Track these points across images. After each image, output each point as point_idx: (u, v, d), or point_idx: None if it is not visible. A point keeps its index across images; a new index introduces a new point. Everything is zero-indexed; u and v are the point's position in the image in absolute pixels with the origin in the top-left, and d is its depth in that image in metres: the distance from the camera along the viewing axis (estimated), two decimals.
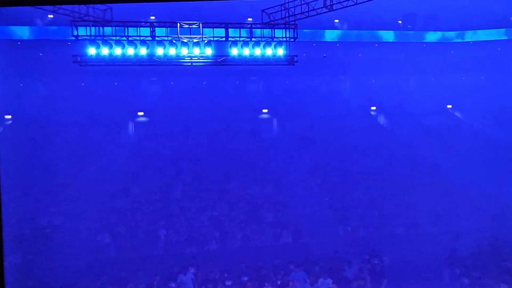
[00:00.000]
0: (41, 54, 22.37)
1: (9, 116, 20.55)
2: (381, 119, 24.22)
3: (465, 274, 11.99)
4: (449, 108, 24.52)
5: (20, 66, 21.07)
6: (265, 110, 23.41)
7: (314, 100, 23.49)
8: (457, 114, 24.30)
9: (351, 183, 17.75)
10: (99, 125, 19.71)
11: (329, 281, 10.84)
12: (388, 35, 22.73)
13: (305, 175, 18.35)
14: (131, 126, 22.02)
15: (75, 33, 9.88)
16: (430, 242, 13.87)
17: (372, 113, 24.34)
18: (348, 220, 15.84)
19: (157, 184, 16.95)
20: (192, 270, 10.90)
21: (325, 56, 22.74)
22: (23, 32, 20.24)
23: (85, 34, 9.94)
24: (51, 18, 21.53)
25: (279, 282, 11.29)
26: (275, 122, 23.23)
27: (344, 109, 23.06)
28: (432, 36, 22.76)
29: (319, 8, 9.24)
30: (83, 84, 22.92)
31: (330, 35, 22.16)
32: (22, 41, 20.56)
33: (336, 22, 23.44)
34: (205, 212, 15.66)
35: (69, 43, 21.26)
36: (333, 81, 24.83)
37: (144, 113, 22.29)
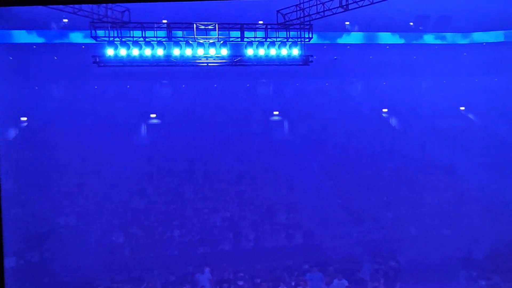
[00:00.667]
0: (55, 58, 22.81)
1: (25, 118, 20.93)
2: (393, 121, 24.09)
3: (481, 277, 11.83)
4: (462, 110, 24.29)
5: (35, 70, 21.49)
6: (276, 112, 23.47)
7: (325, 102, 23.48)
8: (471, 116, 24.05)
9: (364, 185, 17.67)
10: (113, 127, 19.96)
11: (345, 282, 10.78)
12: (399, 37, 22.66)
13: (317, 177, 18.32)
14: (144, 128, 22.25)
15: (93, 34, 10.07)
16: (444, 244, 13.75)
17: (384, 115, 24.23)
18: (361, 221, 15.76)
19: (171, 185, 17.09)
20: (207, 269, 10.94)
21: (335, 59, 22.76)
22: (38, 36, 20.66)
23: (103, 36, 10.12)
24: (66, 22, 21.99)
25: (293, 283, 11.28)
26: (286, 124, 23.26)
27: (355, 111, 23.00)
28: (444, 38, 22.63)
29: (335, 8, 9.28)
30: (96, 87, 23.27)
31: (341, 37, 22.18)
32: (37, 44, 20.99)
33: (347, 24, 23.48)
34: (218, 213, 15.72)
35: (83, 47, 21.68)
36: (344, 84, 24.81)
37: (156, 115, 22.51)
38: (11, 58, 22.24)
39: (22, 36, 20.40)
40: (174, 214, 15.43)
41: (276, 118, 23.37)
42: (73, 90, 22.29)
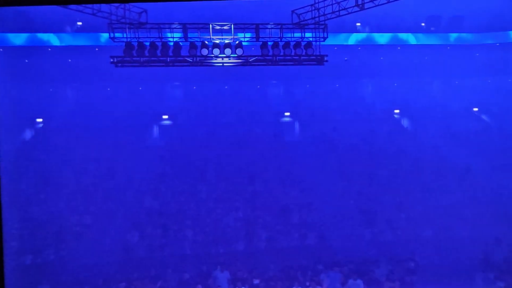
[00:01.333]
0: (69, 61, 23.20)
1: (40, 120, 21.29)
2: (405, 122, 23.94)
3: (499, 279, 11.67)
4: (476, 111, 24.03)
5: (50, 72, 21.88)
6: (287, 114, 23.50)
7: (336, 103, 23.44)
8: (484, 117, 23.78)
9: (377, 186, 17.58)
10: (126, 128, 20.19)
11: (360, 282, 10.74)
12: (411, 38, 22.55)
13: (330, 177, 18.27)
14: (156, 130, 22.47)
15: (111, 35, 10.25)
16: (461, 245, 13.58)
17: (396, 116, 24.10)
18: (374, 222, 15.68)
19: (183, 185, 17.21)
20: (224, 268, 11.00)
21: (346, 60, 22.73)
22: (53, 39, 21.04)
23: (121, 36, 10.29)
24: (80, 25, 22.37)
25: (307, 283, 11.26)
26: (297, 125, 23.27)
27: (367, 112, 22.92)
28: (457, 38, 22.45)
29: (350, 7, 9.31)
30: (109, 89, 23.59)
31: (352, 38, 22.16)
32: (52, 47, 21.38)
33: (358, 25, 23.45)
34: (231, 213, 15.78)
35: (97, 49, 22.04)
36: (355, 85, 24.75)
37: (168, 117, 22.72)
38: (26, 61, 22.70)
39: (37, 39, 20.81)
40: (187, 214, 15.53)
41: (287, 119, 23.40)
42: (87, 92, 22.63)
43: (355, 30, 22.82)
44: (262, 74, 21.90)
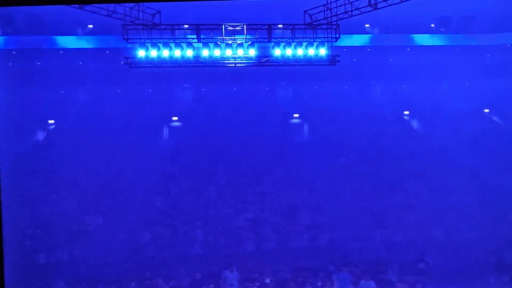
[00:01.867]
0: (80, 63, 23.52)
1: (52, 121, 21.57)
2: (415, 124, 23.83)
3: None
4: (487, 112, 23.83)
5: (61, 74, 22.19)
6: (296, 115, 23.53)
7: (345, 105, 23.43)
8: (495, 118, 23.58)
9: (387, 187, 17.51)
10: (136, 129, 20.38)
11: (372, 283, 10.70)
12: (420, 39, 22.48)
13: (339, 179, 18.25)
14: (166, 131, 22.64)
15: (125, 36, 10.38)
16: (471, 247, 13.48)
17: (405, 117, 24.00)
18: (385, 223, 15.61)
19: (193, 186, 17.29)
20: (235, 268, 11.03)
21: (354, 61, 22.72)
22: (65, 41, 21.36)
23: (135, 37, 10.42)
24: (91, 28, 22.68)
25: (319, 283, 11.25)
26: (306, 127, 23.29)
27: (376, 113, 22.86)
28: (467, 39, 22.33)
29: (363, 7, 9.34)
30: (119, 91, 23.84)
31: (361, 39, 22.15)
32: (64, 50, 21.70)
33: (367, 26, 23.44)
34: (240, 214, 15.82)
35: (107, 52, 22.32)
36: (363, 86, 24.70)
37: (178, 118, 22.88)
38: (38, 63, 23.06)
39: (49, 42, 21.12)
40: (197, 214, 15.60)
41: (296, 120, 23.43)
42: (98, 93, 22.89)
43: (364, 31, 22.82)
44: (271, 75, 21.99)
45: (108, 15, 9.71)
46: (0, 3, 2.70)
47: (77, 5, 9.17)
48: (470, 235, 14.69)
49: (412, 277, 11.48)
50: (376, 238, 15.10)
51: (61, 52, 21.78)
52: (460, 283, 11.75)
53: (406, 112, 24.00)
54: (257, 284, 11.10)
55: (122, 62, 10.61)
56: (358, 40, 21.92)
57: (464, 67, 22.85)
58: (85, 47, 21.52)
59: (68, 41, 21.36)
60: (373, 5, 9.12)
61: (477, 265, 12.27)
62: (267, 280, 11.15)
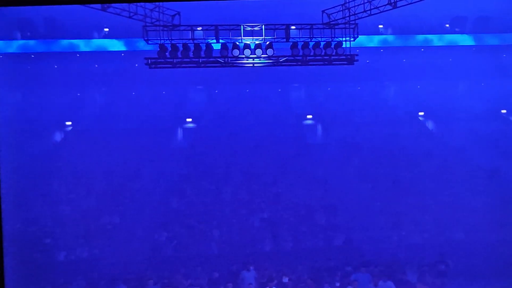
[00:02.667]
0: (96, 66, 23.95)
1: (70, 123, 21.98)
2: (430, 125, 23.60)
3: None
4: (504, 113, 23.48)
5: (78, 77, 22.64)
6: (309, 116, 23.52)
7: (358, 106, 23.34)
8: None
9: (402, 188, 17.35)
10: (151, 131, 20.62)
11: (390, 283, 10.63)
12: (435, 39, 22.30)
13: (355, 180, 18.17)
14: (180, 132, 22.86)
15: (145, 37, 10.57)
16: (491, 248, 13.27)
17: (420, 118, 23.79)
18: (401, 225, 15.46)
19: (208, 186, 17.41)
20: (252, 267, 11.07)
21: (368, 62, 22.63)
22: (81, 45, 21.79)
23: (155, 38, 10.60)
24: (107, 31, 23.11)
25: (337, 284, 11.22)
26: (320, 128, 23.25)
27: (390, 114, 22.71)
28: (482, 39, 22.08)
29: (382, 6, 9.34)
30: (133, 93, 24.18)
31: (375, 40, 22.08)
32: (80, 53, 22.14)
33: (381, 27, 23.36)
34: (256, 214, 15.86)
35: (122, 54, 22.69)
36: (377, 87, 24.59)
37: (192, 120, 23.09)
38: (56, 66, 23.54)
39: (66, 46, 21.58)
40: (212, 215, 15.68)
41: (309, 122, 23.42)
42: (113, 96, 23.25)
43: (378, 32, 22.74)
44: (283, 77, 22.06)
45: (130, 17, 9.91)
46: (0, 3, 2.69)
47: (100, 7, 9.38)
48: (490, 237, 14.45)
49: (432, 279, 11.35)
50: (393, 239, 14.96)
51: (78, 55, 22.23)
52: (480, 285, 11.59)
53: (421, 113, 23.79)
54: (275, 283, 11.11)
55: (144, 63, 10.75)
56: (371, 41, 21.85)
57: (480, 68, 22.59)
58: (101, 50, 21.92)
59: (84, 45, 21.78)
60: (393, 4, 9.12)
61: (498, 267, 12.08)
62: (285, 280, 11.15)
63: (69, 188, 16.63)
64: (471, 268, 12.03)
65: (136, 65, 21.36)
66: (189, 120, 23.10)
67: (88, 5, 9.42)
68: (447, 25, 23.13)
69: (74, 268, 12.27)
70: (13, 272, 11.59)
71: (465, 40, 22.34)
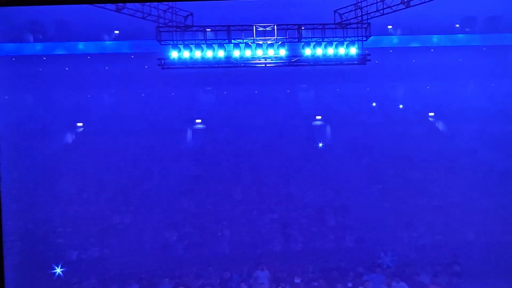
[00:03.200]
0: (106, 68, 24.18)
1: (81, 124, 22.20)
2: (440, 125, 23.45)
3: None
4: None
5: (88, 79, 22.87)
6: (318, 117, 23.50)
7: (367, 107, 23.27)
8: None
9: (413, 189, 17.25)
10: (161, 132, 20.75)
11: (403, 284, 10.58)
12: (444, 40, 22.15)
13: (364, 180, 18.11)
14: (190, 133, 22.97)
15: (158, 38, 10.66)
16: (505, 249, 13.14)
17: (430, 119, 23.64)
18: (412, 226, 15.37)
19: (218, 187, 17.45)
20: (265, 267, 11.07)
21: (377, 63, 22.52)
22: (92, 47, 22.01)
23: (168, 39, 10.69)
24: (117, 33, 23.34)
25: (350, 284, 11.18)
26: (329, 129, 23.21)
27: (400, 115, 22.62)
28: (492, 39, 21.89)
29: (395, 5, 9.33)
30: (143, 94, 24.36)
31: (383, 41, 22.00)
32: (91, 55, 22.36)
33: (390, 28, 23.27)
34: (266, 215, 15.86)
35: (132, 56, 22.88)
36: (386, 88, 24.49)
37: (201, 121, 23.19)
38: (67, 68, 23.80)
39: (77, 48, 21.80)
40: (223, 215, 15.72)
41: (319, 122, 23.40)
42: (123, 97, 23.44)
43: (387, 32, 22.67)
44: (291, 78, 22.08)
45: (143, 18, 10.01)
46: (0, 3, 2.72)
47: (114, 8, 9.49)
48: (503, 238, 14.31)
49: (446, 280, 11.27)
50: (404, 240, 14.88)
51: (89, 57, 22.46)
52: (494, 285, 11.48)
53: (431, 114, 23.65)
54: (287, 283, 11.10)
55: (154, 64, 10.85)
56: (380, 41, 21.78)
57: (490, 68, 22.40)
58: (111, 52, 22.12)
59: (95, 47, 22.00)
60: (406, 3, 9.11)
61: (511, 267, 11.96)
62: (297, 280, 11.14)
63: (81, 189, 16.78)
64: (484, 269, 11.93)
65: (146, 66, 21.55)
66: (198, 121, 23.21)
67: (102, 5, 9.55)
68: (457, 25, 22.99)
69: (86, 267, 12.36)
70: (26, 271, 11.74)
71: (475, 40, 22.17)
